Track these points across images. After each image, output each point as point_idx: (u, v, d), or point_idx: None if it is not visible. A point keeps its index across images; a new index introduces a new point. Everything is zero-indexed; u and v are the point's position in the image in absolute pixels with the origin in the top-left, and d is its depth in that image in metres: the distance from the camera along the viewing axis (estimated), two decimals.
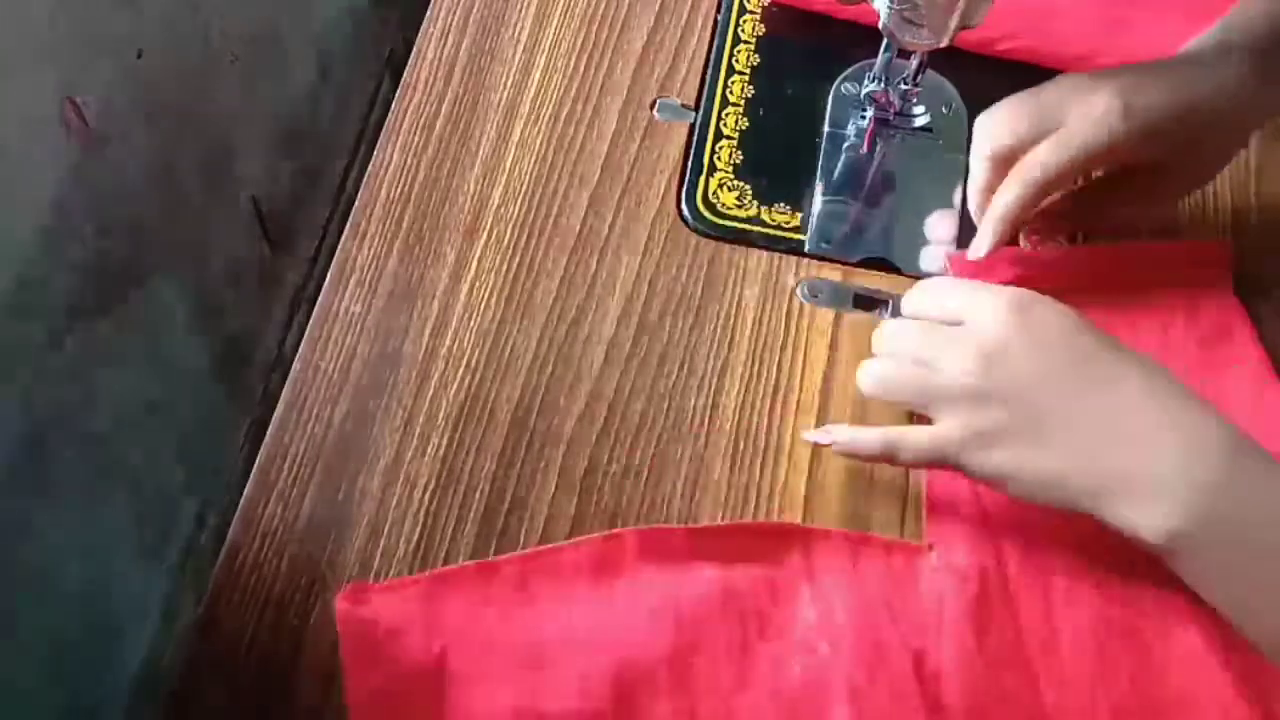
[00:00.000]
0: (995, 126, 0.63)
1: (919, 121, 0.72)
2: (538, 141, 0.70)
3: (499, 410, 0.62)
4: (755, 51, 0.75)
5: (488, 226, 0.67)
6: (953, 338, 0.56)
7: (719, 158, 0.71)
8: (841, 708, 0.53)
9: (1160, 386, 0.54)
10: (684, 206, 0.69)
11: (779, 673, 0.55)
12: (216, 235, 0.69)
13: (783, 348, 0.64)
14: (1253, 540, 0.51)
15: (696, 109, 0.72)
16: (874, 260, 0.68)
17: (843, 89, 0.73)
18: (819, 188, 0.70)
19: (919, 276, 0.67)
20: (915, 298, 0.60)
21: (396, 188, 0.68)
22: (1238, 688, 0.54)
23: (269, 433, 0.61)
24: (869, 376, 0.58)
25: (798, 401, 0.63)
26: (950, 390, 0.55)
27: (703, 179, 0.70)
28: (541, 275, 0.66)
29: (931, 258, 0.67)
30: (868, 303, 0.66)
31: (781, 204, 0.69)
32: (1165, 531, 0.51)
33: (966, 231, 0.66)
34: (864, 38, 0.70)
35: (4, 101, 0.49)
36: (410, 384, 0.62)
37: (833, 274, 0.67)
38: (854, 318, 0.66)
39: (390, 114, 0.71)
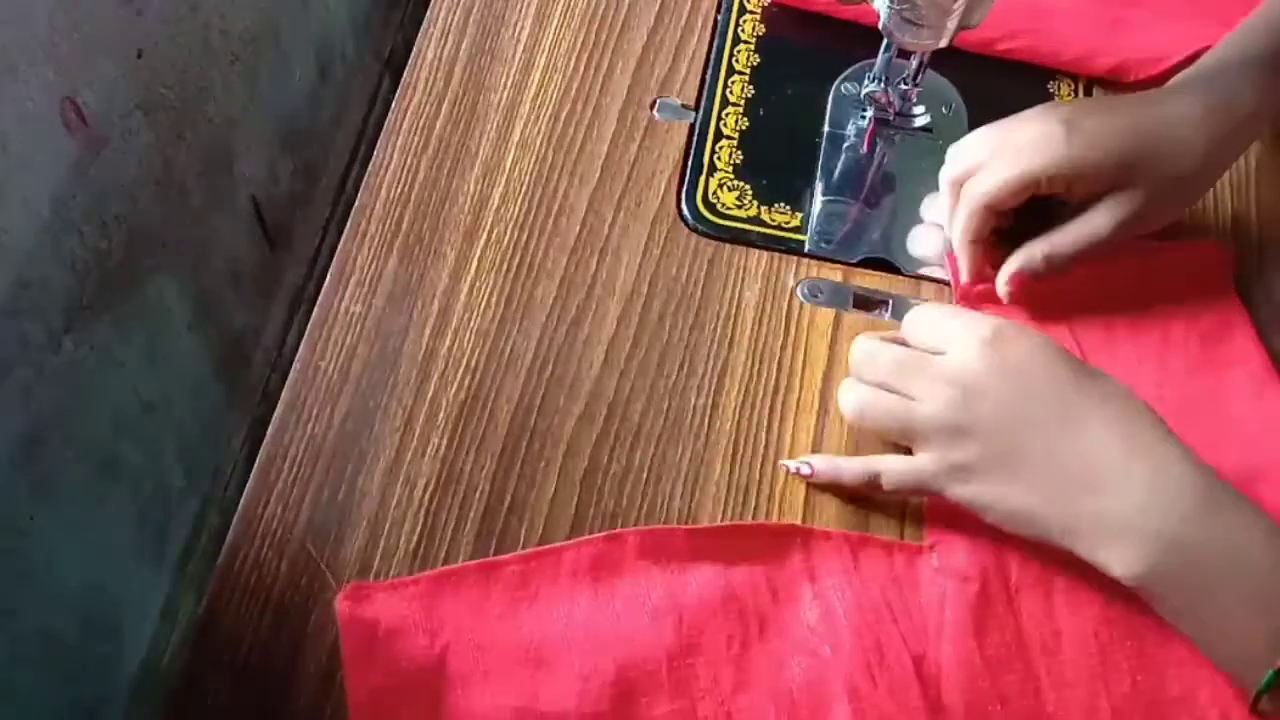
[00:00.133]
0: (958, 152, 0.65)
1: (919, 121, 0.72)
2: (538, 141, 0.70)
3: (499, 410, 0.62)
4: (755, 51, 0.75)
5: (488, 226, 0.67)
6: (931, 370, 0.57)
7: (719, 158, 0.71)
8: (842, 708, 0.53)
9: (1134, 428, 0.54)
10: (684, 206, 0.69)
11: (779, 673, 0.55)
12: (216, 235, 0.69)
13: (783, 348, 0.64)
14: (1217, 581, 0.52)
15: (696, 109, 0.72)
16: (874, 260, 0.68)
17: (843, 89, 0.73)
18: (819, 188, 0.70)
19: (919, 277, 0.67)
20: (909, 327, 0.61)
21: (396, 188, 0.68)
22: (1237, 690, 0.54)
23: (269, 433, 0.61)
24: (848, 403, 0.60)
25: (798, 401, 0.63)
26: (928, 423, 0.56)
27: (703, 179, 0.70)
28: (541, 275, 0.66)
29: (921, 237, 0.67)
30: (868, 303, 0.66)
31: (781, 204, 0.69)
32: (1133, 573, 0.53)
33: None
34: (864, 38, 0.70)
35: (4, 101, 0.49)
36: (410, 384, 0.62)
37: (833, 274, 0.67)
38: (854, 318, 0.66)
39: (390, 114, 0.71)
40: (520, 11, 0.75)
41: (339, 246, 0.66)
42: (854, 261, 0.67)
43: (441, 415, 0.61)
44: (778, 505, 0.60)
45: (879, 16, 0.63)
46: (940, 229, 0.67)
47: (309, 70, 0.79)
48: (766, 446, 0.61)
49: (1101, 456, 0.54)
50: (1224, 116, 0.62)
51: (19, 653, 0.56)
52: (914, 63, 0.68)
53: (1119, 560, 0.53)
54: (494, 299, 0.65)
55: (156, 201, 0.62)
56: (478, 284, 0.65)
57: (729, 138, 0.71)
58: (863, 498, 0.60)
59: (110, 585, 0.63)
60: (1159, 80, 0.71)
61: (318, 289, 0.65)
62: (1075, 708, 0.54)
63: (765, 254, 0.67)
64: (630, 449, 0.61)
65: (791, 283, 0.66)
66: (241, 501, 0.59)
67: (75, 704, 0.61)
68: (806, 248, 0.68)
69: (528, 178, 0.69)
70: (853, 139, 0.72)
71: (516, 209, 0.68)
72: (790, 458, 0.61)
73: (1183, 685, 0.55)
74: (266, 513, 0.59)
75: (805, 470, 0.60)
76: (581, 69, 0.73)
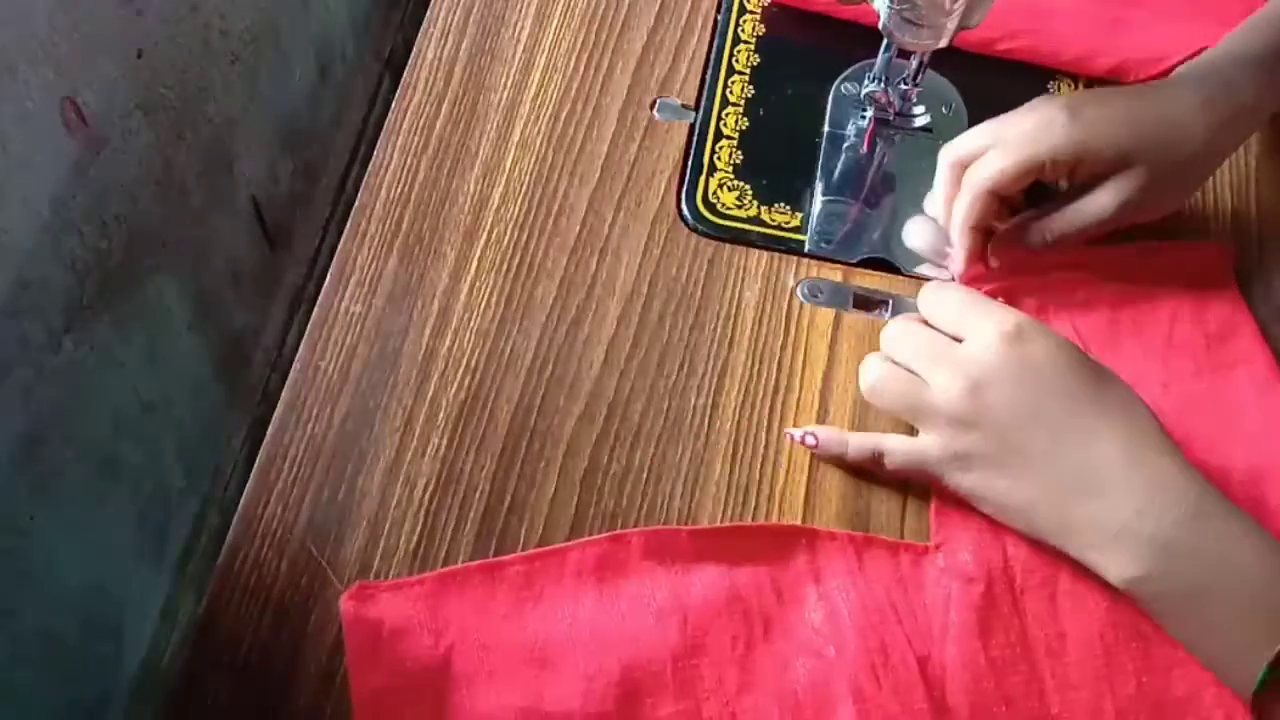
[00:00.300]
0: (958, 142, 0.65)
1: (919, 121, 0.72)
2: (538, 141, 0.70)
3: (499, 410, 0.62)
4: (755, 51, 0.75)
5: (488, 226, 0.67)
6: (947, 357, 0.57)
7: (719, 158, 0.71)
8: (846, 709, 0.53)
9: (1140, 439, 0.55)
10: (684, 206, 0.69)
11: (784, 674, 0.55)
12: (216, 235, 0.69)
13: (783, 348, 0.64)
14: (1209, 587, 0.53)
15: (696, 109, 0.72)
16: (874, 260, 0.68)
17: (843, 89, 0.73)
18: (819, 188, 0.70)
19: (919, 277, 0.67)
20: (929, 299, 0.60)
21: (396, 188, 0.68)
22: None
23: (269, 433, 0.61)
24: (866, 376, 0.60)
25: (798, 401, 0.63)
26: (935, 409, 0.57)
27: (703, 179, 0.70)
28: (541, 275, 0.66)
29: (916, 229, 0.67)
30: (868, 303, 0.66)
31: (781, 204, 0.69)
32: (1124, 579, 0.54)
33: None
34: (864, 38, 0.70)
35: (4, 101, 0.49)
36: (410, 384, 0.62)
37: (833, 274, 0.67)
38: (854, 318, 0.66)
39: (390, 114, 0.71)
40: (520, 11, 0.75)
41: (339, 246, 0.66)
42: (854, 261, 0.67)
43: (441, 415, 0.61)
44: (778, 505, 0.60)
45: (879, 16, 0.63)
46: (935, 221, 0.67)
47: (309, 70, 0.78)
48: (766, 446, 0.61)
49: (1103, 463, 0.54)
50: (1223, 106, 0.63)
51: (19, 653, 0.56)
52: (914, 63, 0.68)
53: (1112, 564, 0.54)
54: (494, 299, 0.65)
55: (156, 201, 0.62)
56: (478, 284, 0.65)
57: (729, 138, 0.71)
58: (862, 496, 0.60)
59: (110, 585, 0.63)
60: None
61: (318, 289, 0.65)
62: (1080, 709, 0.54)
63: (765, 254, 0.67)
64: (630, 449, 0.61)
65: (791, 283, 0.66)
66: (241, 501, 0.59)
67: (75, 704, 0.61)
68: (806, 248, 0.68)
69: (528, 178, 0.69)
70: (853, 139, 0.72)
71: (516, 209, 0.68)
72: (790, 457, 0.61)
73: (1187, 686, 0.54)
74: (266, 513, 0.59)
75: (810, 440, 0.60)
76: (581, 69, 0.73)
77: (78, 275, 0.56)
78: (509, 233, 0.67)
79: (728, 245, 0.67)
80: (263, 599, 0.56)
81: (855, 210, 0.69)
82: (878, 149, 0.71)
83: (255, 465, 0.60)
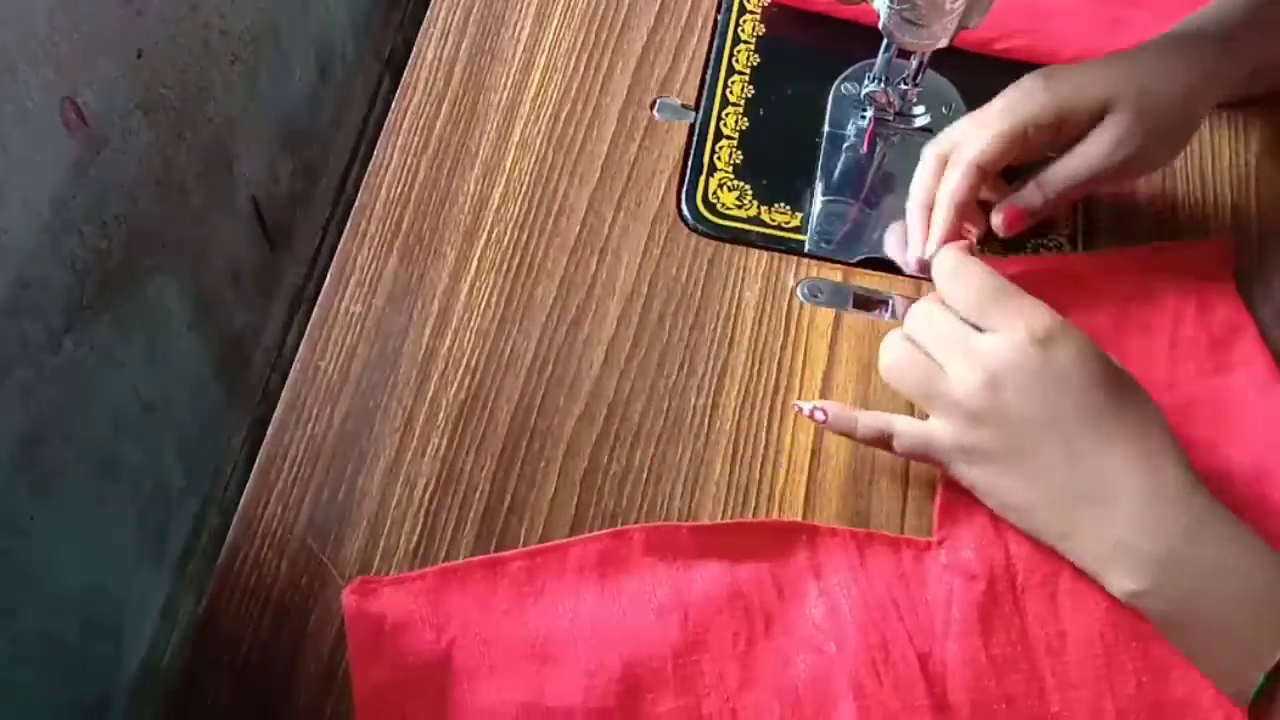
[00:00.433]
0: (939, 137, 0.65)
1: (919, 121, 0.72)
2: (538, 141, 0.70)
3: (499, 410, 0.62)
4: (755, 51, 0.75)
5: (488, 226, 0.67)
6: (967, 346, 0.56)
7: (719, 158, 0.71)
8: (847, 705, 0.53)
9: (1155, 461, 0.54)
10: (684, 206, 0.69)
11: (784, 670, 0.55)
12: (216, 235, 0.69)
13: (783, 348, 0.64)
14: (1208, 601, 0.52)
15: (696, 109, 0.72)
16: (874, 260, 0.68)
17: (843, 89, 0.73)
18: (819, 188, 0.70)
19: (919, 277, 0.67)
20: (949, 278, 0.58)
21: (396, 188, 0.68)
22: None
23: (269, 433, 0.61)
24: (885, 355, 0.59)
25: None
26: (949, 400, 0.56)
27: (703, 179, 0.70)
28: (541, 275, 0.66)
29: (894, 240, 0.67)
30: (868, 303, 0.66)
31: (781, 204, 0.69)
32: (1122, 592, 0.54)
33: None
34: (864, 38, 0.70)
35: (4, 101, 0.49)
36: (410, 384, 0.62)
37: (833, 274, 0.67)
38: (854, 318, 0.66)
39: (390, 114, 0.71)
40: (520, 11, 0.75)
41: (339, 246, 0.66)
42: (854, 261, 0.67)
43: (441, 415, 0.61)
44: (778, 505, 0.60)
45: (879, 16, 0.63)
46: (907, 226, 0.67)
47: (309, 70, 0.78)
48: (766, 446, 0.61)
49: (1109, 474, 0.54)
50: (1194, 64, 0.63)
51: (19, 653, 0.56)
52: (914, 63, 0.68)
53: (1110, 576, 0.54)
54: (494, 299, 0.65)
55: (156, 201, 0.62)
56: (478, 284, 0.65)
57: (729, 138, 0.71)
58: (862, 496, 0.60)
59: (110, 585, 0.63)
60: None
61: (318, 289, 0.65)
62: (1080, 708, 0.54)
63: (765, 254, 0.67)
64: (630, 449, 0.61)
65: (791, 283, 0.66)
66: (241, 501, 0.59)
67: (75, 704, 0.61)
68: (806, 248, 0.68)
69: (528, 178, 0.69)
70: (853, 139, 0.72)
71: (516, 209, 0.68)
72: (790, 457, 0.61)
73: (1187, 687, 0.54)
74: (266, 513, 0.59)
75: (819, 416, 0.59)
76: (581, 69, 0.73)
77: (78, 275, 0.56)
78: (509, 233, 0.67)
79: (728, 245, 0.67)
80: (263, 599, 0.56)
81: (855, 210, 0.69)
82: (878, 149, 0.71)
83: (255, 465, 0.60)
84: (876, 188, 0.70)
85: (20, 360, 0.53)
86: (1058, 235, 0.68)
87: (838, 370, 0.64)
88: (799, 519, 0.59)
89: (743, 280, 0.66)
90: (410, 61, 0.73)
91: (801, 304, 0.66)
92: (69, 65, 0.53)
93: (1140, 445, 0.54)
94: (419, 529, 0.58)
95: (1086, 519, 0.54)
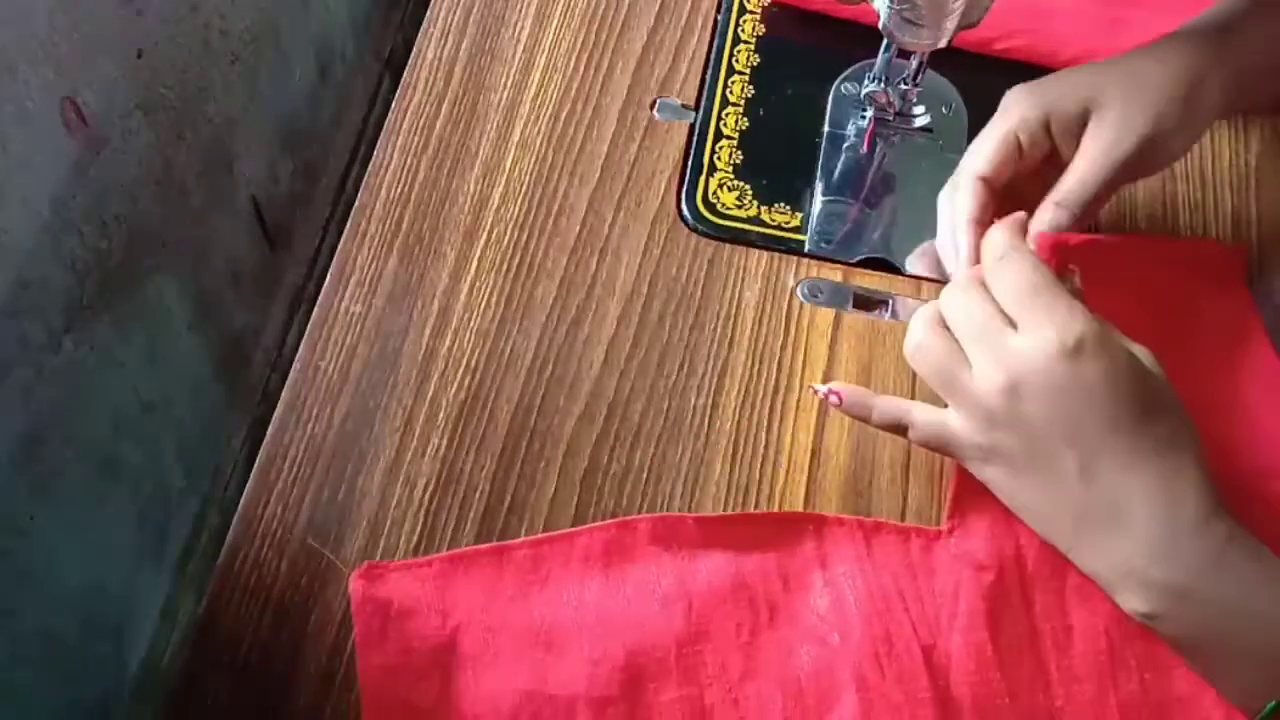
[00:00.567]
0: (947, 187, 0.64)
1: (919, 121, 0.72)
2: (538, 141, 0.70)
3: (499, 410, 0.62)
4: (755, 51, 0.75)
5: (488, 226, 0.67)
6: (996, 342, 0.53)
7: (719, 158, 0.71)
8: (850, 697, 0.53)
9: (1174, 478, 0.52)
10: (684, 206, 0.69)
11: (788, 661, 0.55)
12: (216, 235, 0.69)
13: (783, 348, 0.64)
14: (1223, 630, 0.52)
15: (696, 109, 0.72)
16: (874, 260, 0.68)
17: (843, 89, 0.73)
18: (819, 188, 0.70)
19: (919, 277, 0.67)
20: (997, 264, 0.55)
21: (396, 188, 0.68)
22: None
23: (269, 433, 0.61)
24: (912, 336, 0.56)
25: (798, 401, 0.63)
26: (968, 395, 0.54)
27: (703, 179, 0.70)
28: (541, 275, 0.66)
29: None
30: (868, 303, 0.66)
31: (781, 204, 0.69)
32: (1134, 611, 0.53)
33: None
34: (864, 38, 0.70)
35: (4, 101, 0.49)
36: (410, 384, 0.62)
37: (833, 274, 0.67)
38: (854, 318, 0.66)
39: (390, 114, 0.71)
40: (520, 11, 0.75)
41: (339, 246, 0.66)
42: (854, 261, 0.67)
43: (441, 415, 0.61)
44: (778, 505, 0.60)
45: (879, 16, 0.63)
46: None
47: (309, 70, 0.78)
48: (766, 446, 0.61)
49: (1129, 498, 0.52)
50: (1186, 50, 0.62)
51: (19, 653, 0.56)
52: (914, 63, 0.68)
53: (1120, 598, 0.53)
54: (494, 299, 0.65)
55: (156, 201, 0.62)
56: (478, 284, 0.65)
57: (729, 138, 0.71)
58: (862, 496, 0.60)
59: (110, 585, 0.63)
60: None
61: (318, 289, 0.65)
62: (1083, 703, 0.54)
63: (765, 254, 0.67)
64: (630, 449, 0.61)
65: (791, 283, 0.66)
66: (241, 501, 0.59)
67: (75, 704, 0.61)
68: (806, 248, 0.68)
69: (528, 178, 0.69)
70: (853, 139, 0.72)
71: (516, 209, 0.68)
72: (790, 457, 0.61)
73: (1190, 685, 0.54)
74: (266, 513, 0.59)
75: (834, 399, 0.58)
76: (581, 69, 0.73)
77: (78, 275, 0.56)
78: (509, 233, 0.67)
79: (728, 245, 0.67)
80: (263, 599, 0.56)
81: (855, 210, 0.69)
82: (878, 149, 0.71)
83: (255, 465, 0.60)
84: (876, 188, 0.70)
85: (20, 360, 0.53)
86: None
87: (838, 370, 0.64)
88: None
89: (743, 280, 0.66)
90: (410, 61, 0.73)
91: (801, 304, 0.66)
92: (69, 65, 0.53)
93: (1162, 471, 0.52)
94: (419, 529, 0.58)
95: (1099, 540, 0.53)
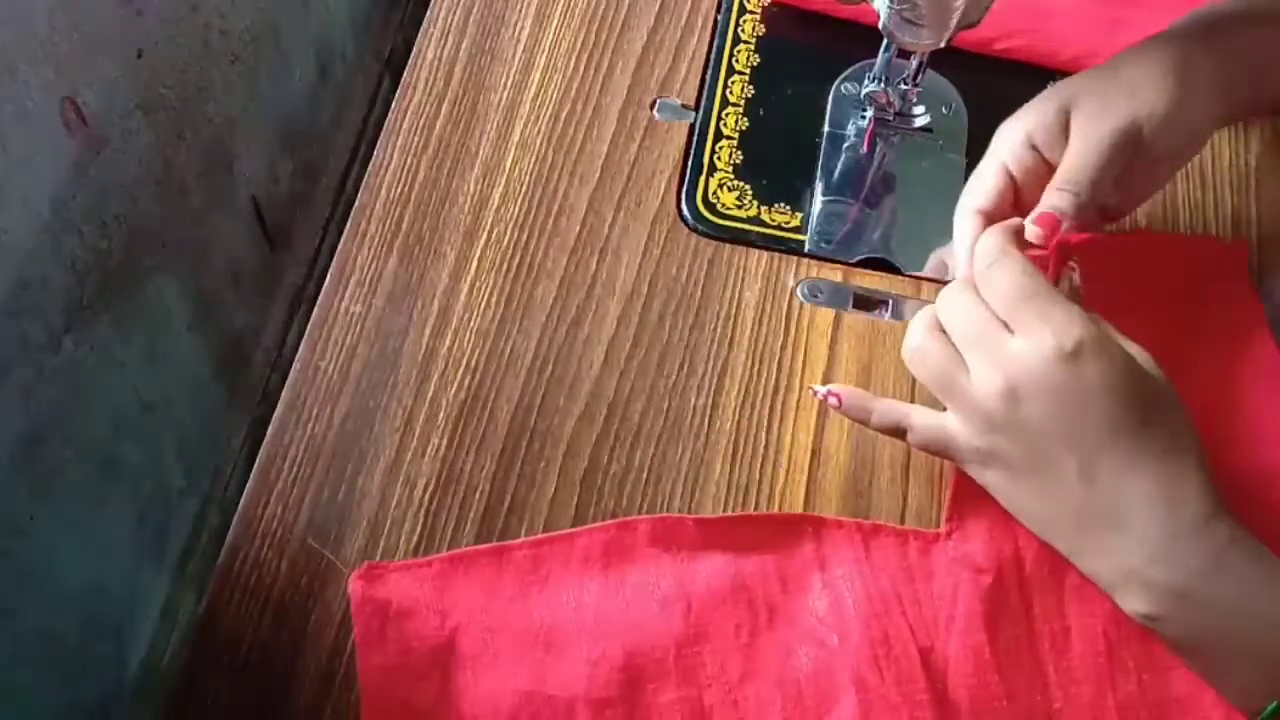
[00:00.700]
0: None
1: (919, 121, 0.72)
2: (538, 141, 0.70)
3: (499, 410, 0.62)
4: (755, 51, 0.75)
5: (488, 226, 0.67)
6: (993, 346, 0.53)
7: (719, 158, 0.71)
8: (848, 699, 0.54)
9: (1174, 480, 0.52)
10: (684, 206, 0.69)
11: (786, 662, 0.55)
12: (216, 235, 0.69)
13: (783, 348, 0.64)
14: (1223, 632, 0.52)
15: (696, 109, 0.72)
16: (874, 260, 0.68)
17: (843, 89, 0.73)
18: (819, 188, 0.70)
19: (919, 277, 0.67)
20: (988, 272, 0.55)
21: (396, 188, 0.68)
22: None
23: (269, 433, 0.61)
24: (909, 340, 0.56)
25: (798, 401, 0.63)
26: (967, 400, 0.54)
27: (703, 179, 0.70)
28: (541, 275, 0.66)
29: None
30: (868, 303, 0.66)
31: (781, 204, 0.69)
32: (1135, 613, 0.53)
33: None
34: (864, 38, 0.70)
35: (4, 101, 0.49)
36: (410, 384, 0.62)
37: (833, 274, 0.67)
38: (854, 318, 0.66)
39: (390, 114, 0.71)
40: (520, 11, 0.75)
41: (339, 246, 0.66)
42: (854, 261, 0.67)
43: (441, 415, 0.61)
44: (778, 505, 0.60)
45: (879, 16, 0.63)
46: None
47: (309, 70, 0.78)
48: (766, 446, 0.61)
49: (1130, 500, 0.52)
50: (1167, 43, 0.61)
51: (19, 653, 0.56)
52: (914, 63, 0.68)
53: (1121, 600, 0.53)
54: (494, 299, 0.65)
55: (156, 201, 0.62)
56: (478, 284, 0.65)
57: (729, 138, 0.71)
58: (862, 497, 0.60)
59: (110, 585, 0.63)
60: None
61: (318, 289, 0.65)
62: (1081, 705, 0.54)
63: (765, 254, 0.67)
64: (630, 449, 0.61)
65: (791, 283, 0.66)
66: (241, 501, 0.59)
67: (75, 704, 0.61)
68: (806, 248, 0.68)
69: (528, 178, 0.69)
70: (853, 139, 0.72)
71: (516, 209, 0.68)
72: (790, 457, 0.61)
73: (1188, 686, 0.54)
74: (266, 513, 0.59)
75: (833, 401, 0.58)
76: (581, 69, 0.73)
77: (78, 275, 0.56)
78: (509, 233, 0.67)
79: (728, 245, 0.67)
80: (263, 599, 0.56)
81: (855, 210, 0.69)
82: (878, 149, 0.71)
83: (255, 465, 0.60)
84: (876, 188, 0.70)
85: (20, 360, 0.53)
86: None
87: (838, 370, 0.64)
88: None
89: (743, 280, 0.66)
90: (410, 61, 0.73)
91: (801, 304, 0.66)
92: (69, 65, 0.53)
93: (1163, 473, 0.52)
94: (419, 529, 0.58)
95: (1100, 543, 0.53)
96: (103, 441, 0.60)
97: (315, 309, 0.64)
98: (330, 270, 0.66)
